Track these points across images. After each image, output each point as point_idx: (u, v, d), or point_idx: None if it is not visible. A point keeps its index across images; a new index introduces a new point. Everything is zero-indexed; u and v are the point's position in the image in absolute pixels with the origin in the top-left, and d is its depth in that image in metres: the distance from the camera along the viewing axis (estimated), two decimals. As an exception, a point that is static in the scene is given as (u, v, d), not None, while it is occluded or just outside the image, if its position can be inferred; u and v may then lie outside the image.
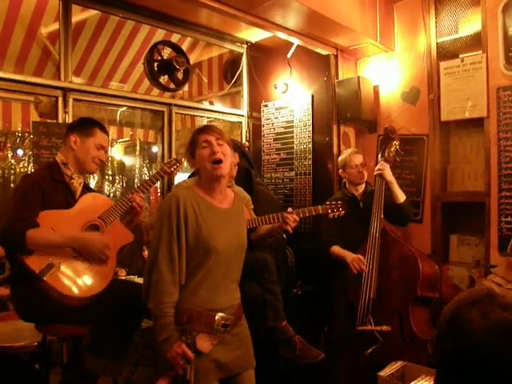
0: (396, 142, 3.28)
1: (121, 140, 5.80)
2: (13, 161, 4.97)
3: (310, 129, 4.19)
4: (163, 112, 4.20)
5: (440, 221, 3.67)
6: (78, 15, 3.99)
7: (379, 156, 3.32)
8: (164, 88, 4.11)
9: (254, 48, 4.73)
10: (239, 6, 3.23)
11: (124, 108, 4.43)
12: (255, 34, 4.50)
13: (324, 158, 4.12)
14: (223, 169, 1.90)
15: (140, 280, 3.14)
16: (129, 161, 5.96)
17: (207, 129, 1.95)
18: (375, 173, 3.18)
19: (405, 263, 2.98)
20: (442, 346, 0.94)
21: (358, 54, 4.16)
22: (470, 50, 3.54)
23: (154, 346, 3.35)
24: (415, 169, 3.82)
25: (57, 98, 3.47)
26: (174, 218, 1.83)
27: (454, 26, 3.64)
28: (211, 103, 5.20)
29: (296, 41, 3.91)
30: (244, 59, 4.77)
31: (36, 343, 2.49)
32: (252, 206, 2.95)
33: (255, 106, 4.73)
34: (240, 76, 4.78)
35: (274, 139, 4.51)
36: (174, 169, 2.71)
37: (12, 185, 4.78)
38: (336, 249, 3.20)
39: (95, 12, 3.99)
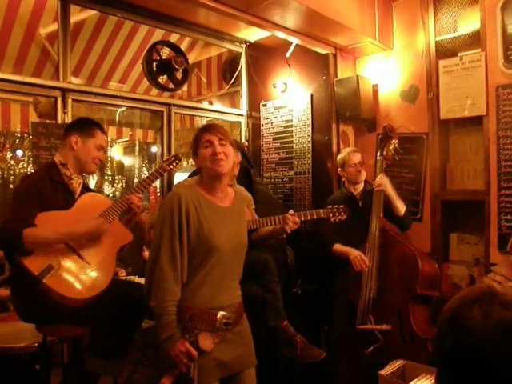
0: (395, 141, 3.28)
1: (120, 140, 5.79)
2: (12, 161, 4.96)
3: (310, 128, 4.19)
4: (162, 112, 4.20)
5: (440, 219, 3.67)
6: (77, 15, 3.98)
7: (378, 154, 3.33)
8: (163, 88, 4.11)
9: (253, 47, 4.73)
10: (238, 5, 3.23)
11: (123, 108, 4.43)
12: (254, 34, 4.50)
13: (323, 157, 4.12)
14: (224, 166, 1.90)
15: (140, 280, 3.14)
16: (128, 161, 5.96)
17: (210, 128, 1.95)
18: (376, 189, 3.17)
19: (404, 262, 2.98)
20: (442, 345, 0.95)
21: (357, 53, 4.16)
22: (469, 49, 3.55)
23: (154, 345, 3.37)
24: (415, 167, 3.83)
25: (56, 98, 3.47)
26: (175, 216, 1.84)
27: (453, 24, 3.64)
28: (210, 103, 5.20)
29: (295, 40, 3.91)
30: (243, 59, 4.77)
31: (36, 344, 2.48)
32: (253, 207, 2.94)
33: (254, 105, 4.73)
34: (239, 75, 4.78)
35: (274, 138, 4.51)
36: (173, 166, 2.70)
37: (11, 185, 4.77)
38: (338, 246, 3.20)
39: (94, 12, 3.99)
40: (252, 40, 4.68)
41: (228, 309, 1.90)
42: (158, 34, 4.52)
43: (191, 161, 5.78)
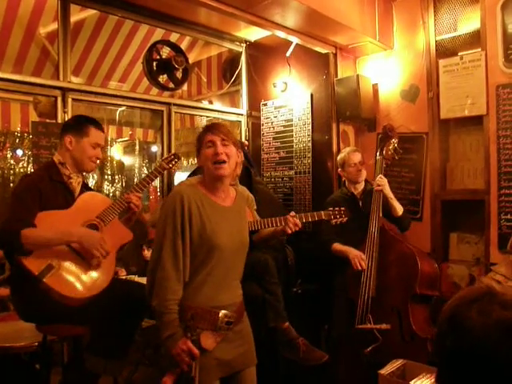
0: (394, 140, 3.28)
1: (120, 140, 5.79)
2: (12, 161, 4.96)
3: (310, 127, 4.19)
4: (162, 111, 4.20)
5: (439, 219, 3.67)
6: (77, 15, 3.99)
7: (377, 154, 3.32)
8: (163, 87, 4.11)
9: (253, 47, 4.73)
10: (238, 4, 3.23)
11: (123, 107, 4.43)
12: (254, 33, 4.50)
13: (323, 157, 4.12)
14: (225, 169, 1.90)
15: (140, 279, 3.14)
16: (128, 160, 5.95)
17: (213, 128, 1.95)
18: (375, 188, 3.17)
19: (404, 261, 2.98)
20: (442, 344, 0.95)
21: (357, 53, 4.16)
22: (469, 48, 3.54)
23: (154, 345, 3.37)
24: (415, 167, 3.82)
25: (56, 97, 3.47)
26: (178, 215, 1.84)
27: (453, 23, 3.64)
28: (210, 102, 5.20)
29: (295, 39, 3.91)
30: (243, 58, 4.77)
31: (36, 343, 2.49)
32: (255, 207, 2.94)
33: (254, 104, 4.73)
34: (239, 75, 4.78)
35: (274, 138, 4.51)
36: (173, 165, 2.69)
37: (11, 185, 4.77)
38: (338, 246, 3.20)
39: (94, 11, 3.99)
40: (252, 39, 4.68)
41: (229, 308, 1.91)
42: (158, 34, 4.52)
43: (191, 160, 5.79)
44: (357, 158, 3.40)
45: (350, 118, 4.01)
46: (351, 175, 3.41)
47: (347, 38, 3.84)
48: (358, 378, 2.91)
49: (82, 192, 2.42)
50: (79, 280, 2.20)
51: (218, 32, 4.48)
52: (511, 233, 3.13)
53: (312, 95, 4.19)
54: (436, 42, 3.70)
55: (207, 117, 4.85)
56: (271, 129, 4.53)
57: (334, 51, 4.06)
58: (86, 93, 3.69)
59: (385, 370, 2.45)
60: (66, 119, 3.43)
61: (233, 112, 4.78)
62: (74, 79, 3.89)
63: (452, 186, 3.74)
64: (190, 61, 4.46)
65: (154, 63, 3.96)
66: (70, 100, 3.52)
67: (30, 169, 4.34)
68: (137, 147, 5.77)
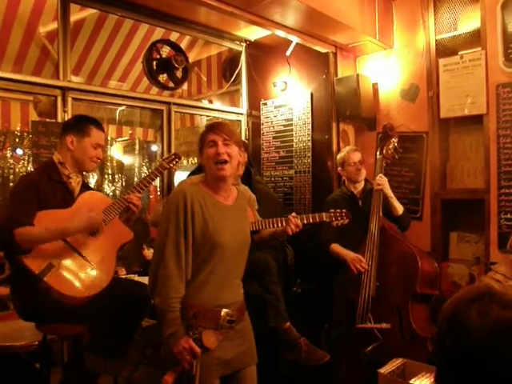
0: (394, 140, 3.28)
1: (120, 139, 5.79)
2: (12, 160, 4.96)
3: (310, 127, 4.19)
4: (162, 111, 4.20)
5: (439, 218, 3.67)
6: (77, 14, 3.98)
7: (377, 153, 3.32)
8: (163, 87, 4.11)
9: (253, 46, 4.73)
10: (238, 4, 3.23)
11: (123, 107, 4.43)
12: (254, 32, 4.49)
13: (323, 156, 4.12)
14: (227, 170, 1.91)
15: (140, 279, 3.14)
16: (128, 160, 5.95)
17: (215, 128, 1.95)
18: (375, 188, 3.17)
19: (404, 261, 2.98)
20: (441, 344, 0.95)
21: (357, 52, 4.16)
22: (469, 47, 3.54)
23: (154, 344, 3.37)
24: (415, 166, 3.82)
25: (56, 97, 3.47)
26: (181, 213, 1.84)
27: (453, 22, 3.64)
28: (210, 102, 5.19)
29: (295, 39, 3.90)
30: (243, 57, 4.76)
31: (36, 342, 2.49)
32: (256, 207, 2.93)
33: (254, 104, 4.73)
34: (239, 74, 4.78)
35: (274, 137, 4.51)
36: (173, 164, 2.70)
37: (11, 184, 4.77)
38: (336, 247, 3.20)
39: (94, 11, 3.99)
40: (252, 39, 4.68)
41: (231, 306, 1.92)
42: (158, 33, 4.52)
43: (191, 159, 5.79)
44: (356, 157, 3.40)
45: (349, 118, 4.01)
46: (351, 174, 3.41)
47: (347, 38, 3.84)
48: (358, 377, 2.91)
49: (81, 191, 2.42)
50: (79, 279, 2.20)
51: (217, 31, 4.47)
52: (511, 232, 3.13)
53: (312, 94, 4.19)
54: (436, 41, 3.70)
55: (207, 116, 4.85)
56: (271, 128, 4.53)
57: (334, 50, 4.06)
58: (86, 92, 3.69)
59: (385, 369, 2.46)
60: (66, 118, 3.43)
61: (233, 111, 4.78)
62: (74, 78, 3.89)
63: (452, 186, 3.74)
64: (190, 60, 4.46)
65: (154, 62, 3.96)
66: (69, 99, 3.52)
67: (30, 168, 4.34)
68: (137, 146, 5.77)
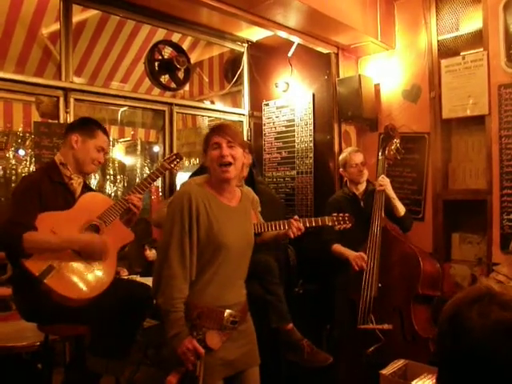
0: (396, 140, 3.28)
1: (122, 140, 5.81)
2: (14, 161, 4.98)
3: (311, 127, 4.19)
4: (164, 111, 4.20)
5: (441, 219, 3.66)
6: (79, 15, 3.99)
7: (379, 154, 3.32)
8: (165, 87, 4.11)
9: (255, 47, 4.73)
10: (240, 4, 3.23)
11: (125, 108, 4.44)
12: (256, 33, 4.50)
13: (325, 157, 4.12)
14: (231, 172, 1.91)
15: (142, 279, 3.14)
16: (130, 160, 5.96)
17: (220, 130, 1.95)
18: (377, 189, 3.17)
19: (406, 261, 2.98)
20: (442, 345, 0.95)
21: (359, 53, 4.16)
22: (471, 48, 3.54)
23: (156, 345, 3.38)
24: (417, 167, 3.82)
25: (58, 98, 3.48)
26: (185, 214, 1.85)
27: (455, 23, 3.63)
28: (212, 102, 5.20)
29: (297, 39, 3.90)
30: (245, 58, 4.77)
31: (38, 343, 2.49)
32: (259, 209, 2.93)
33: (256, 105, 4.73)
34: (241, 75, 4.78)
35: (275, 138, 4.51)
36: (175, 165, 2.70)
37: (13, 185, 4.78)
38: (338, 247, 3.20)
39: (96, 12, 3.99)
40: (254, 39, 4.68)
41: (234, 307, 1.92)
42: (160, 34, 4.53)
43: (193, 160, 5.80)
44: (358, 158, 3.39)
45: (351, 118, 4.01)
46: (353, 175, 3.40)
47: (349, 38, 3.84)
48: (360, 378, 2.90)
49: (83, 192, 2.42)
50: (80, 281, 2.19)
51: (219, 32, 4.48)
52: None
53: (314, 95, 4.19)
54: (438, 41, 3.69)
55: (209, 117, 4.86)
56: (273, 129, 4.53)
57: (336, 51, 4.06)
58: (88, 93, 3.70)
59: (386, 370, 2.45)
60: (68, 119, 3.45)
61: (235, 112, 4.78)
62: (76, 79, 3.90)
63: (454, 186, 3.74)
64: (192, 61, 4.46)
65: (156, 63, 3.97)
66: (72, 100, 3.53)
67: (32, 169, 4.35)
68: (139, 147, 5.78)
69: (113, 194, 5.44)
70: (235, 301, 1.95)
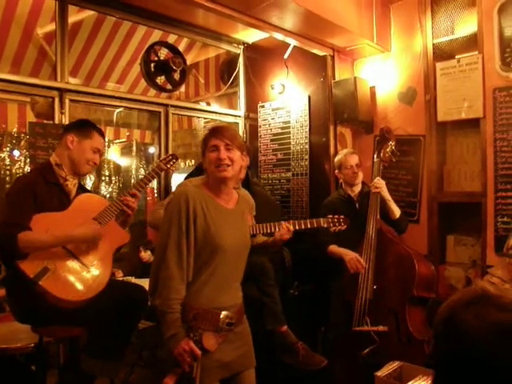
0: (392, 143, 3.29)
1: (117, 141, 5.79)
2: (9, 161, 4.95)
3: (307, 129, 4.19)
4: (160, 113, 4.20)
5: (436, 221, 3.67)
6: (75, 16, 3.98)
7: (375, 156, 3.33)
8: (161, 89, 4.11)
9: (251, 49, 4.73)
10: (236, 6, 3.23)
11: (120, 109, 4.43)
12: (252, 35, 4.50)
13: (321, 159, 4.13)
14: (228, 171, 1.91)
15: (137, 281, 3.14)
16: (125, 161, 5.95)
17: (218, 133, 1.95)
18: (372, 190, 3.18)
19: (401, 263, 2.99)
20: (438, 347, 0.95)
21: (355, 55, 4.17)
22: (466, 51, 3.55)
23: (151, 346, 3.37)
24: (412, 169, 3.83)
25: (53, 98, 3.47)
26: (183, 215, 1.85)
27: (450, 26, 3.65)
28: (208, 104, 5.20)
29: (293, 42, 3.91)
30: (241, 60, 4.77)
31: (32, 344, 2.48)
32: (254, 213, 2.93)
33: (252, 106, 4.73)
34: (237, 77, 4.78)
35: (271, 140, 4.51)
36: (171, 165, 2.69)
37: (8, 186, 4.76)
38: (334, 248, 3.21)
39: (91, 13, 3.99)
40: (250, 41, 4.69)
41: (230, 309, 1.92)
42: (156, 35, 4.52)
43: (188, 161, 5.79)
44: (353, 160, 3.40)
45: (347, 120, 4.02)
46: (348, 177, 3.41)
47: (345, 41, 3.85)
48: (355, 380, 2.91)
49: (78, 193, 2.42)
50: (75, 282, 2.19)
51: (215, 34, 4.48)
52: (507, 235, 3.14)
53: (309, 97, 4.20)
54: (433, 44, 3.71)
55: (205, 118, 4.85)
56: (268, 131, 4.53)
57: (332, 53, 4.07)
58: (84, 94, 3.69)
59: (381, 372, 2.45)
60: (64, 120, 3.44)
61: (230, 114, 4.78)
62: (72, 80, 3.89)
63: (449, 189, 3.75)
64: (188, 62, 4.46)
65: (152, 64, 3.96)
66: (67, 101, 3.51)
67: (27, 169, 4.33)
68: (134, 148, 5.77)
69: (108, 195, 5.42)
70: (231, 303, 1.96)
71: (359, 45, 3.90)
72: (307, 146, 4.19)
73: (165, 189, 4.19)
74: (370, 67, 4.13)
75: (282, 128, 4.40)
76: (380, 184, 3.17)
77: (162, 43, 4.15)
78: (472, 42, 3.50)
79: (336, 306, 3.26)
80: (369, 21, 3.78)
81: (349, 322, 3.01)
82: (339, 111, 3.98)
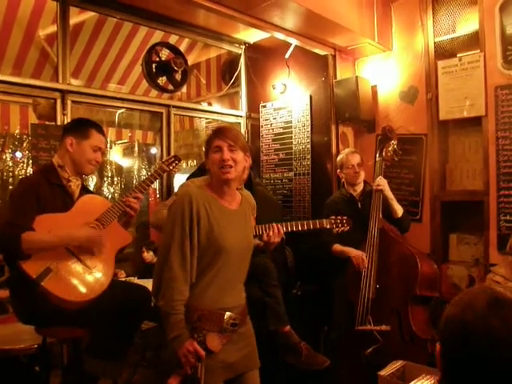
0: (394, 142, 3.29)
1: (119, 142, 5.79)
2: (11, 163, 4.96)
3: (309, 129, 4.19)
4: (162, 113, 4.20)
5: (439, 220, 3.67)
6: (76, 17, 3.99)
7: (377, 155, 3.33)
8: (162, 89, 4.11)
9: (252, 49, 4.73)
10: (237, 6, 3.23)
11: (122, 109, 4.43)
12: (253, 35, 4.50)
13: (323, 158, 4.12)
14: (231, 173, 1.91)
15: (140, 281, 3.14)
16: (127, 162, 5.95)
17: (221, 134, 1.94)
18: (375, 188, 3.18)
19: (404, 262, 2.98)
20: (450, 348, 0.93)
21: (356, 54, 4.17)
22: (468, 49, 3.55)
23: (154, 347, 3.37)
24: (414, 168, 3.83)
25: (55, 100, 3.47)
26: (186, 216, 1.85)
27: (452, 25, 3.65)
28: (209, 104, 5.20)
29: (294, 41, 3.91)
30: (242, 60, 4.77)
31: (36, 345, 2.48)
32: (255, 215, 2.92)
33: (253, 106, 4.73)
34: (238, 77, 4.78)
35: (273, 140, 4.51)
36: (173, 167, 2.69)
37: (10, 187, 4.77)
38: (338, 246, 3.21)
39: (93, 14, 4.00)
40: (251, 41, 4.69)
41: (234, 310, 1.92)
42: (157, 36, 4.52)
43: (190, 162, 5.79)
44: (355, 159, 3.40)
45: (349, 120, 4.01)
46: (349, 177, 3.41)
47: (346, 40, 3.85)
48: (358, 380, 2.91)
49: (81, 195, 2.41)
50: (78, 283, 2.18)
51: (217, 34, 4.48)
52: (510, 234, 3.13)
53: (311, 97, 4.20)
54: (435, 43, 3.70)
55: (206, 119, 4.85)
56: (270, 130, 4.53)
57: (333, 53, 4.06)
58: (86, 95, 3.69)
59: (384, 372, 2.45)
60: (66, 121, 3.44)
61: (232, 114, 4.78)
62: (74, 81, 3.90)
63: (451, 187, 3.75)
64: (189, 63, 4.46)
65: (153, 65, 3.97)
66: (69, 102, 3.52)
67: (30, 171, 4.34)
68: (136, 149, 5.76)
69: (110, 196, 5.43)
70: (235, 304, 1.95)
71: (360, 44, 3.90)
72: (309, 146, 4.19)
73: (167, 189, 4.20)
74: (372, 66, 4.13)
75: (284, 128, 4.40)
76: (382, 182, 3.17)
77: (164, 44, 4.15)
78: (474, 41, 3.50)
79: (339, 306, 3.26)
80: (370, 20, 3.77)
81: (351, 321, 3.01)
82: (341, 110, 3.98)
